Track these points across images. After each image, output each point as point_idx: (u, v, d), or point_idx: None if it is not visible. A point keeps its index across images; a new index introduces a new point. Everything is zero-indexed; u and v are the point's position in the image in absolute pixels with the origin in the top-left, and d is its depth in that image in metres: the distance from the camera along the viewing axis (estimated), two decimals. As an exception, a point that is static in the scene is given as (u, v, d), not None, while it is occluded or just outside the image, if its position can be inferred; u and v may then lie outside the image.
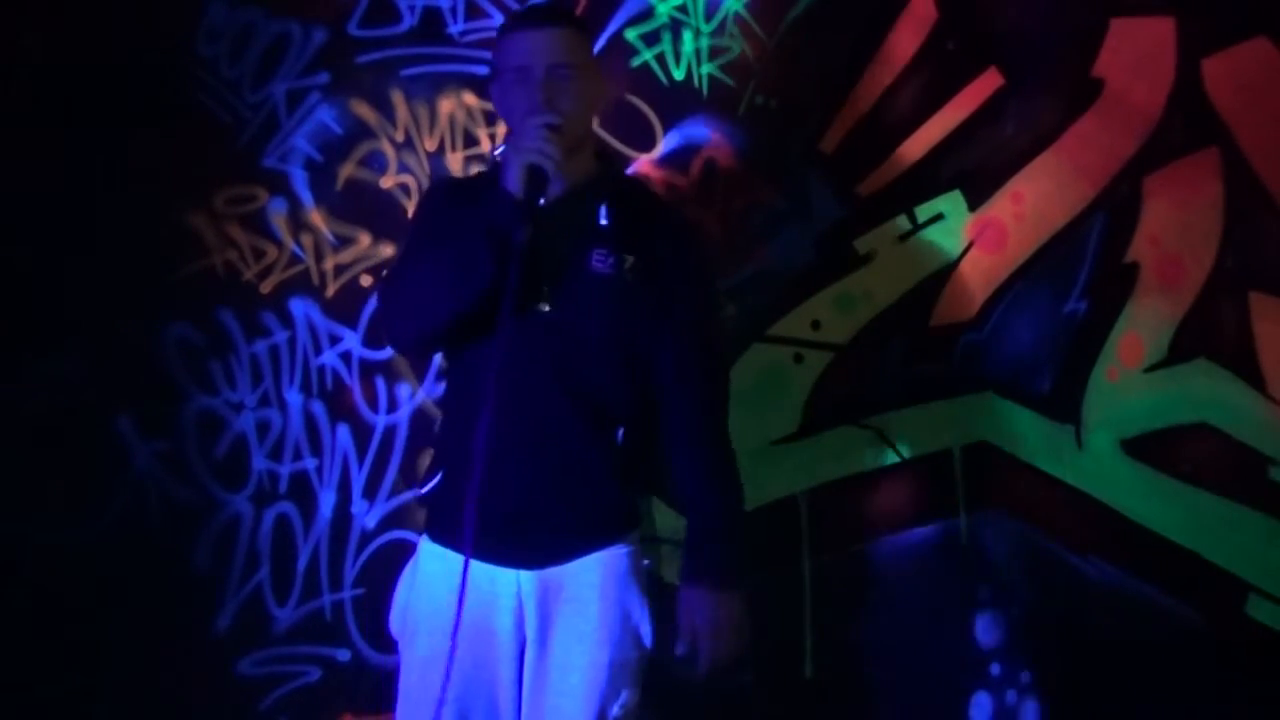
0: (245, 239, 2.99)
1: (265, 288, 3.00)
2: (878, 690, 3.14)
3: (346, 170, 3.01)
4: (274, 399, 3.00)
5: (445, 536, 2.19)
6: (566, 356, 2.14)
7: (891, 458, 3.13)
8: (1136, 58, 3.09)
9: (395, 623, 2.28)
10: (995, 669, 3.14)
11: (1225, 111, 3.08)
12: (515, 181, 2.05)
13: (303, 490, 3.01)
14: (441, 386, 2.98)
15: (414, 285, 2.14)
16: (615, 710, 2.18)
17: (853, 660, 3.13)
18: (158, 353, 2.95)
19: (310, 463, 3.02)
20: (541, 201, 2.05)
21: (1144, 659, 3.10)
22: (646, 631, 2.23)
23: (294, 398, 3.01)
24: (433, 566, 2.20)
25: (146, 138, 2.94)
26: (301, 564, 3.02)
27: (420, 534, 2.30)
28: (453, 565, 2.11)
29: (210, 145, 2.97)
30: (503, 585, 2.18)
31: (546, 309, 2.13)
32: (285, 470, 3.01)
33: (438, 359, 3.00)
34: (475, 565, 2.11)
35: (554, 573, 2.18)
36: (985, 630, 3.15)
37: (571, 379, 2.14)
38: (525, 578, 2.17)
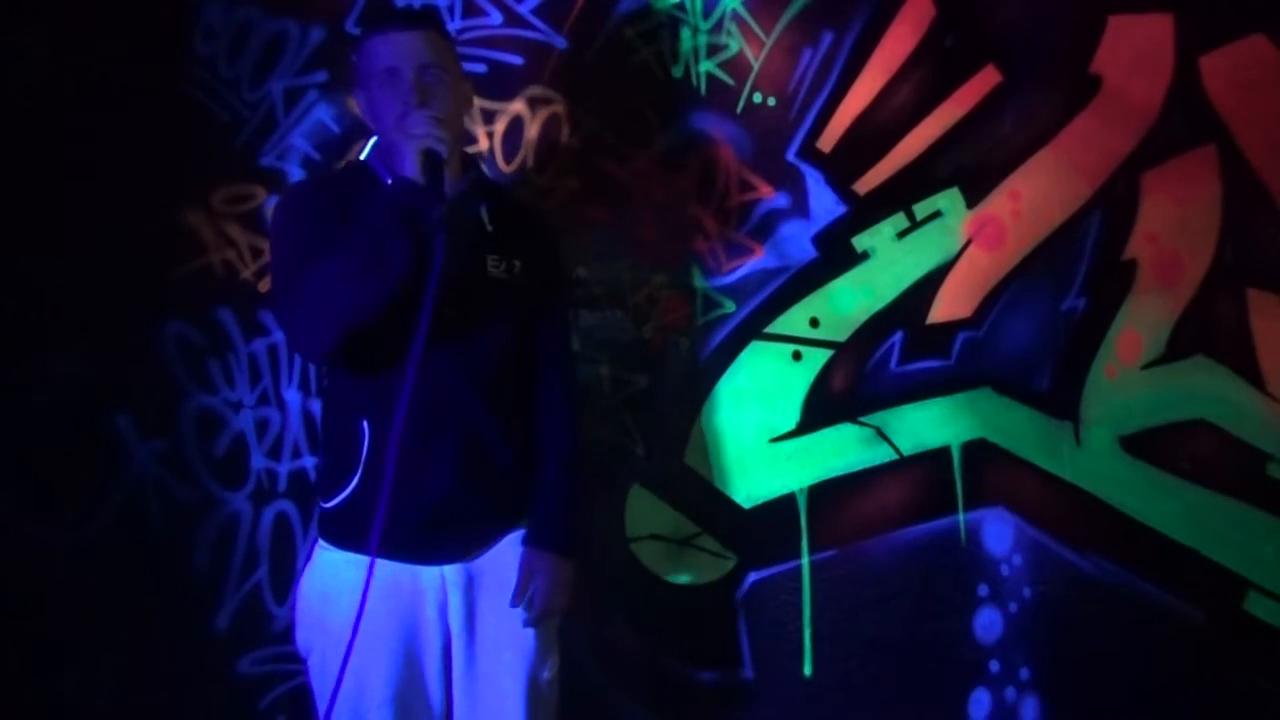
0: (243, 237, 2.99)
1: (263, 286, 3.00)
2: (877, 687, 3.14)
3: (345, 169, 3.01)
4: (273, 398, 3.00)
5: (367, 544, 2.13)
6: (472, 357, 2.22)
7: (890, 455, 3.13)
8: (1134, 55, 3.10)
9: (307, 636, 2.30)
10: (994, 665, 3.14)
11: (1223, 108, 3.09)
12: (412, 168, 2.10)
13: (302, 489, 3.01)
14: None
15: (325, 284, 2.10)
16: (546, 674, 2.31)
17: (852, 657, 3.13)
18: (156, 352, 2.94)
19: (309, 461, 3.01)
20: (447, 186, 2.12)
21: (1143, 655, 3.10)
22: (535, 589, 2.30)
23: (293, 396, 3.01)
24: (351, 575, 2.17)
25: (144, 136, 2.93)
26: (301, 563, 3.01)
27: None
28: (377, 570, 2.13)
29: (208, 144, 2.96)
30: (427, 581, 2.25)
31: (449, 313, 2.16)
32: (284, 469, 3.00)
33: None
34: (398, 567, 2.21)
35: (477, 562, 2.28)
36: (984, 627, 3.15)
37: (479, 378, 2.24)
38: (449, 570, 2.26)
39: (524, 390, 2.35)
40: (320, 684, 2.26)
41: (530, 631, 2.29)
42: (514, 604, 2.27)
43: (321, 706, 2.23)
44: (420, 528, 2.21)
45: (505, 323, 2.27)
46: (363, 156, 2.32)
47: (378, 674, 2.20)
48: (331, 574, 2.26)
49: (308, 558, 3.00)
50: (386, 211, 2.09)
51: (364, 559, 2.11)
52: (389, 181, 2.15)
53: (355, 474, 2.20)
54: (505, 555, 2.30)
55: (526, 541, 2.32)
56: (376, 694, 2.19)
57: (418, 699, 2.23)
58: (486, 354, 2.24)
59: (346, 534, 2.23)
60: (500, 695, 2.25)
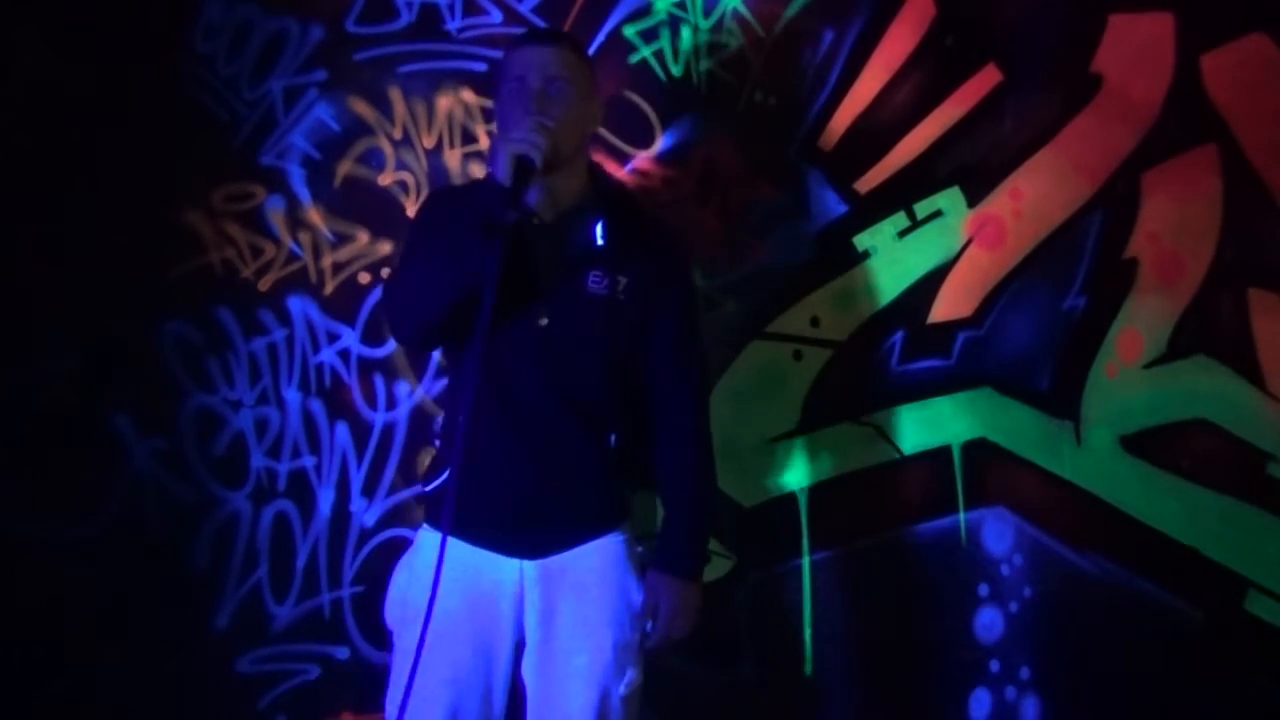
0: (243, 236, 2.99)
1: (263, 285, 3.00)
2: (878, 687, 3.14)
3: (344, 167, 3.01)
4: (272, 397, 3.00)
5: (456, 529, 2.22)
6: (562, 368, 2.25)
7: (891, 454, 3.13)
8: (1135, 54, 3.09)
9: (393, 611, 2.33)
10: (994, 665, 3.14)
11: (1224, 107, 3.08)
12: (503, 170, 2.13)
13: (301, 488, 3.01)
14: (440, 384, 3.00)
15: (412, 277, 2.24)
16: (620, 689, 2.28)
17: (853, 657, 3.13)
18: (156, 351, 2.94)
19: (309, 460, 3.01)
20: (530, 193, 2.16)
21: (1143, 655, 3.10)
22: (659, 613, 2.33)
23: (292, 396, 3.01)
24: (436, 556, 2.21)
25: (143, 135, 2.93)
26: (300, 562, 3.02)
27: (418, 527, 2.37)
28: (456, 554, 2.18)
29: (207, 142, 2.96)
30: (506, 573, 2.27)
31: (544, 323, 2.23)
32: (284, 468, 3.01)
33: (436, 356, 3.01)
34: (480, 554, 2.25)
35: (556, 560, 2.28)
36: (984, 626, 3.15)
37: (566, 388, 2.26)
38: (529, 566, 2.27)
39: (627, 405, 2.33)
40: (397, 657, 2.30)
41: (609, 641, 2.27)
42: (630, 622, 2.29)
43: (393, 678, 2.27)
44: (501, 520, 2.25)
45: (601, 338, 2.27)
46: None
47: (444, 652, 2.21)
48: (424, 554, 2.28)
49: (303, 555, 3.03)
50: (470, 212, 2.14)
51: (453, 542, 2.17)
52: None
53: (451, 463, 2.23)
54: (590, 559, 2.29)
55: (654, 565, 2.35)
56: (439, 671, 2.21)
57: (478, 684, 2.25)
58: (577, 367, 2.26)
59: (435, 516, 2.29)
60: (567, 700, 2.25)
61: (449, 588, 2.16)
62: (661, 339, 2.33)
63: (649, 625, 2.32)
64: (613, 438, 2.31)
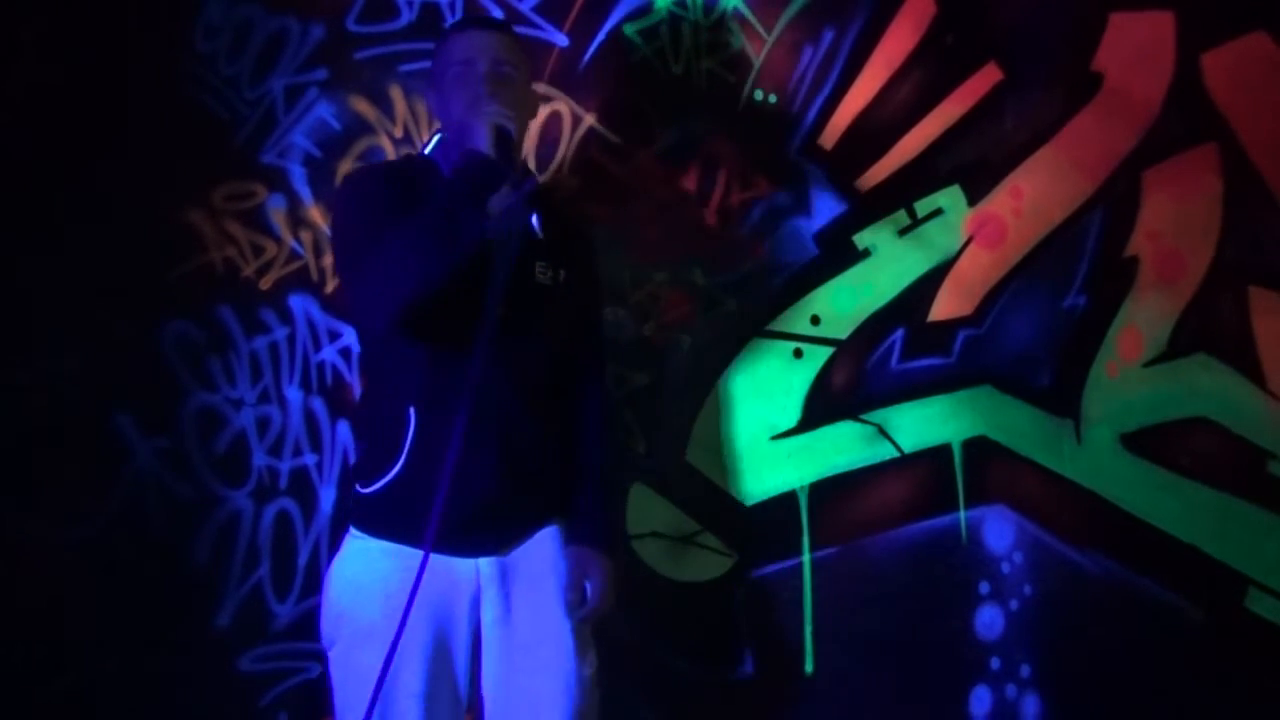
0: (244, 235, 2.99)
1: (264, 284, 3.00)
2: (878, 684, 3.14)
3: (345, 166, 3.01)
4: (274, 395, 3.00)
5: (405, 534, 2.18)
6: (516, 361, 2.24)
7: (891, 452, 3.13)
8: (1136, 52, 3.10)
9: (334, 628, 2.24)
10: (995, 663, 3.14)
11: (1224, 106, 3.09)
12: (484, 142, 2.13)
13: (303, 486, 3.01)
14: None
15: (397, 255, 2.10)
16: (586, 671, 2.29)
17: (853, 655, 3.13)
18: (157, 350, 2.94)
19: (310, 459, 3.01)
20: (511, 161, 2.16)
21: (1143, 653, 3.10)
22: (591, 587, 2.31)
23: (294, 394, 3.01)
24: (386, 564, 2.19)
25: (144, 134, 2.93)
26: (302, 560, 3.02)
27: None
28: (411, 562, 2.11)
29: (208, 142, 2.96)
30: (461, 573, 2.23)
31: (501, 313, 2.17)
32: (285, 466, 3.00)
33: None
34: (435, 557, 2.15)
35: (512, 555, 2.27)
36: (985, 624, 3.15)
37: (523, 381, 2.26)
38: (485, 563, 2.25)
39: (563, 394, 2.37)
40: (341, 676, 2.22)
41: (567, 627, 2.26)
42: (566, 599, 2.26)
43: (340, 700, 2.21)
44: (461, 522, 2.19)
45: (549, 329, 2.30)
46: (426, 151, 2.36)
47: (409, 665, 2.17)
48: (365, 564, 2.22)
49: (305, 553, 3.02)
50: (459, 183, 2.12)
51: (400, 548, 2.13)
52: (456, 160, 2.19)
53: (398, 462, 2.19)
54: (540, 549, 2.30)
55: (575, 540, 2.32)
56: (408, 685, 2.17)
57: (446, 691, 2.21)
58: (530, 358, 2.26)
59: (384, 522, 2.22)
60: (536, 693, 2.22)
61: (402, 600, 2.09)
62: (586, 326, 2.41)
63: (589, 599, 2.28)
64: (559, 429, 2.33)
